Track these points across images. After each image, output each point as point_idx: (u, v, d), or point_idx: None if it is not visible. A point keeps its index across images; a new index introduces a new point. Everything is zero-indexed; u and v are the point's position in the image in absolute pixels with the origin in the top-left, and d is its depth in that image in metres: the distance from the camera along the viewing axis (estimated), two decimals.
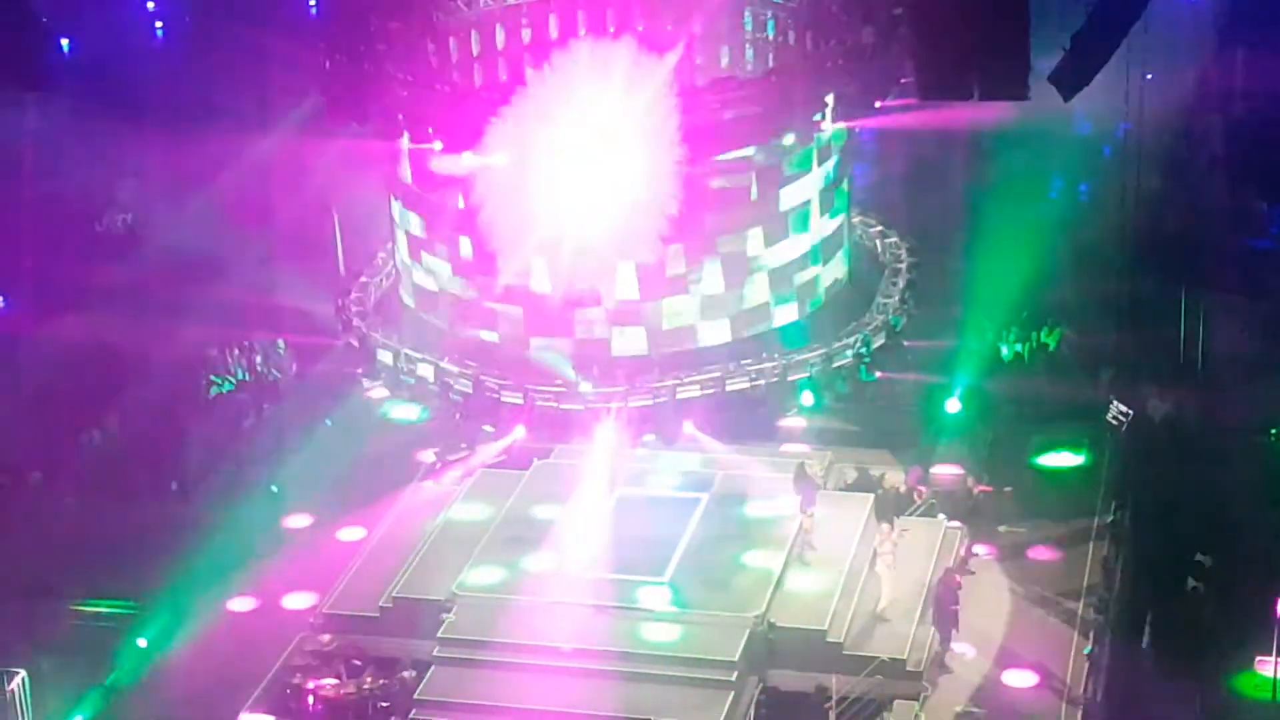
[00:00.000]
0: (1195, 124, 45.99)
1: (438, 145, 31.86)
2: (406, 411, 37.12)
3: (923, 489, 33.58)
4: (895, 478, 34.33)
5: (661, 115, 30.81)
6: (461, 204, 32.44)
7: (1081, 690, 29.59)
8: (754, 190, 31.80)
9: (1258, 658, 29.98)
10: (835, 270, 35.17)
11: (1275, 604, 29.78)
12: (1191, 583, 31.14)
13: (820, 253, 34.85)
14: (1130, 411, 33.84)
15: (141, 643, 31.57)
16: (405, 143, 32.70)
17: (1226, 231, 42.22)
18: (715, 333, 32.97)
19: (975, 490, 33.73)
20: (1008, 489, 33.67)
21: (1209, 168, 44.94)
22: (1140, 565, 32.33)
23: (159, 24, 53.21)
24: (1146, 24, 25.36)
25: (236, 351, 39.79)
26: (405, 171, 33.50)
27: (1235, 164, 44.09)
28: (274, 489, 35.62)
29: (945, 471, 34.62)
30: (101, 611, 32.63)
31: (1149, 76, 37.43)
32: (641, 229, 31.71)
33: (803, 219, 33.55)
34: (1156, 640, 30.61)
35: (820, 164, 33.91)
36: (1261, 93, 46.26)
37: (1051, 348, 38.92)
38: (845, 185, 35.41)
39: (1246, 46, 46.45)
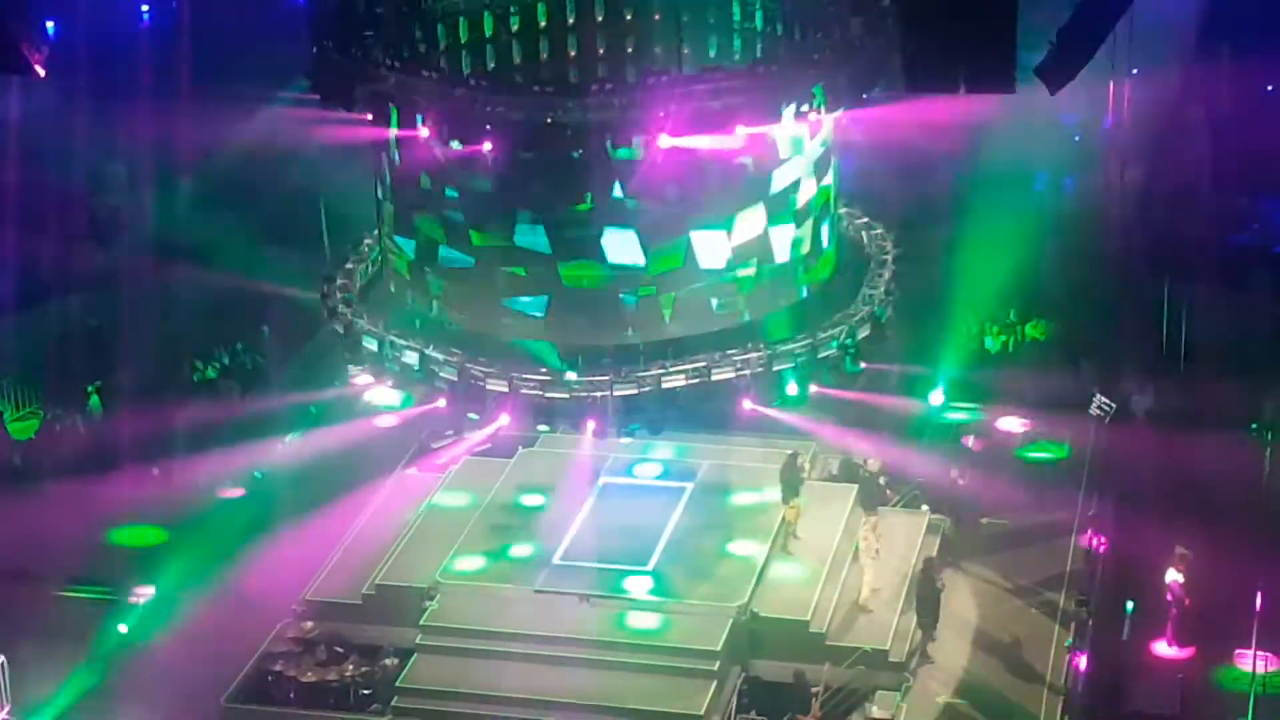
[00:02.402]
0: (1179, 118, 46.13)
1: (425, 132, 31.77)
2: (391, 397, 37.08)
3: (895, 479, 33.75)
4: (878, 468, 34.39)
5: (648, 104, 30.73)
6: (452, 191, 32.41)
7: (1062, 681, 29.71)
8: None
9: (1237, 650, 30.13)
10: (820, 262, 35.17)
11: (1255, 597, 29.95)
12: (1171, 574, 31.26)
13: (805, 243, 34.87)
14: (1114, 404, 33.98)
15: (123, 629, 31.57)
16: (393, 129, 32.60)
17: (1209, 226, 42.35)
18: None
19: (958, 480, 33.83)
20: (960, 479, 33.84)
21: (1193, 162, 45.06)
22: (1121, 557, 32.46)
23: (145, 8, 53.02)
24: (1132, 19, 25.44)
25: (223, 338, 39.78)
26: (393, 157, 33.42)
27: (1218, 159, 44.22)
28: (258, 475, 35.63)
29: (929, 462, 34.75)
30: (83, 597, 32.60)
31: (1134, 71, 37.54)
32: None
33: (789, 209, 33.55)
34: (1137, 632, 30.75)
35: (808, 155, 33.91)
36: (1245, 88, 46.44)
37: (1040, 338, 39.05)
38: (832, 176, 35.42)
39: (1231, 42, 46.58)
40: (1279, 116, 45.37)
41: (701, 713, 28.77)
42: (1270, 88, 47.03)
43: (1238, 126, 45.21)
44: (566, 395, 31.45)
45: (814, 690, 28.93)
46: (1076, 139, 44.89)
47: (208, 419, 37.36)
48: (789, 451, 32.88)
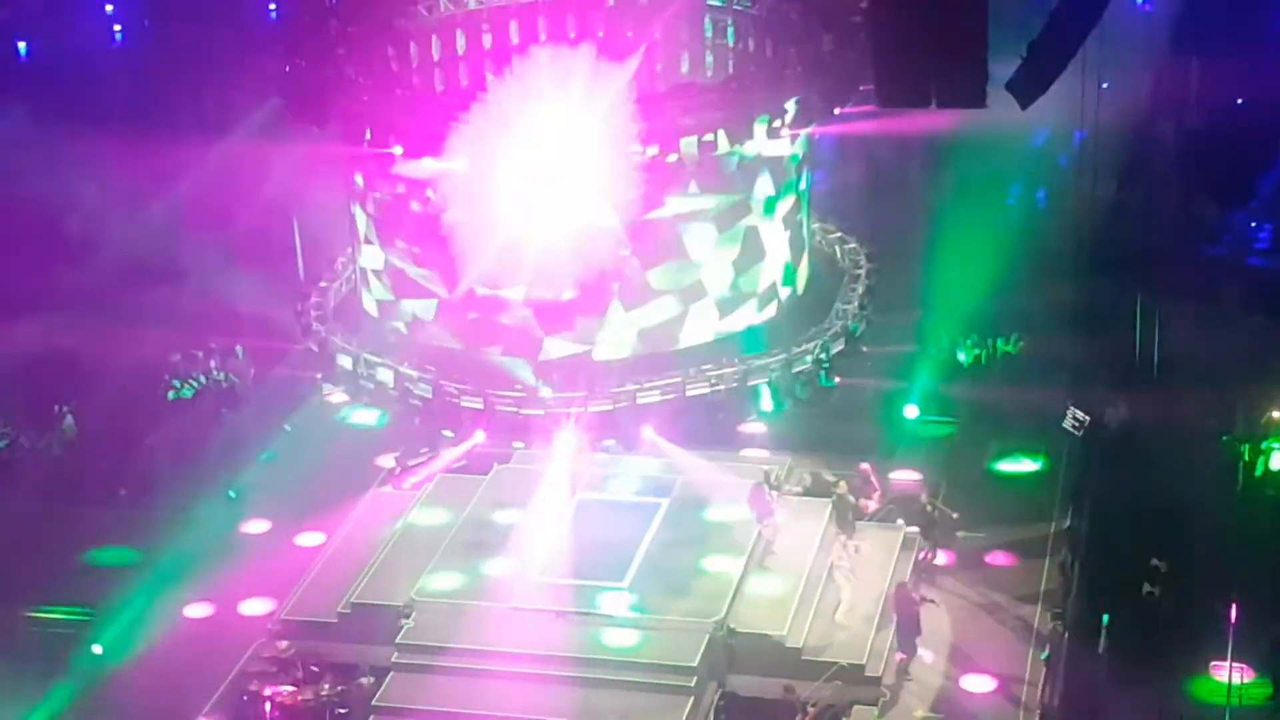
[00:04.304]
0: (1150, 131, 46.34)
1: (398, 150, 31.84)
2: (366, 416, 37.04)
3: (871, 494, 33.75)
4: (845, 489, 34.36)
5: (622, 121, 30.86)
6: (419, 208, 32.48)
7: (1039, 695, 29.74)
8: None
9: (1213, 662, 30.20)
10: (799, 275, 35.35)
11: (1230, 609, 30.03)
12: (1147, 588, 31.34)
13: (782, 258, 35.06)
14: (1087, 418, 34.06)
15: (97, 649, 31.40)
16: (366, 147, 32.67)
17: (1181, 238, 42.53)
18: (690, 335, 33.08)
19: (929, 507, 33.87)
20: (955, 515, 33.85)
21: (1164, 175, 45.26)
22: (1097, 570, 32.52)
23: (118, 27, 52.91)
24: (1102, 32, 25.54)
25: (197, 356, 39.63)
26: (366, 179, 33.51)
27: (1189, 171, 44.41)
28: (232, 494, 35.53)
29: (904, 478, 34.80)
30: (56, 618, 32.43)
31: (1105, 85, 37.66)
32: (602, 235, 31.77)
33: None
34: (1113, 645, 30.80)
35: (779, 171, 34.09)
36: (1214, 100, 46.66)
37: (1012, 352, 39.13)
38: (805, 191, 35.61)
39: (1200, 55, 46.81)
40: (1249, 129, 45.52)
41: None
42: (1239, 100, 47.25)
43: (1208, 137, 45.39)
44: (542, 412, 31.51)
45: (809, 708, 28.93)
46: (1063, 162, 45.09)
47: (182, 438, 37.22)
48: (756, 481, 32.86)
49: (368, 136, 31.49)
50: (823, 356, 34.27)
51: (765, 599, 31.13)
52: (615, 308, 31.65)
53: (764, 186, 32.77)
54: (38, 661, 31.01)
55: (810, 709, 28.91)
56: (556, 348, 32.57)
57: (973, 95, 24.23)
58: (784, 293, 33.72)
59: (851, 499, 33.40)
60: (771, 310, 33.10)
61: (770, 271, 33.02)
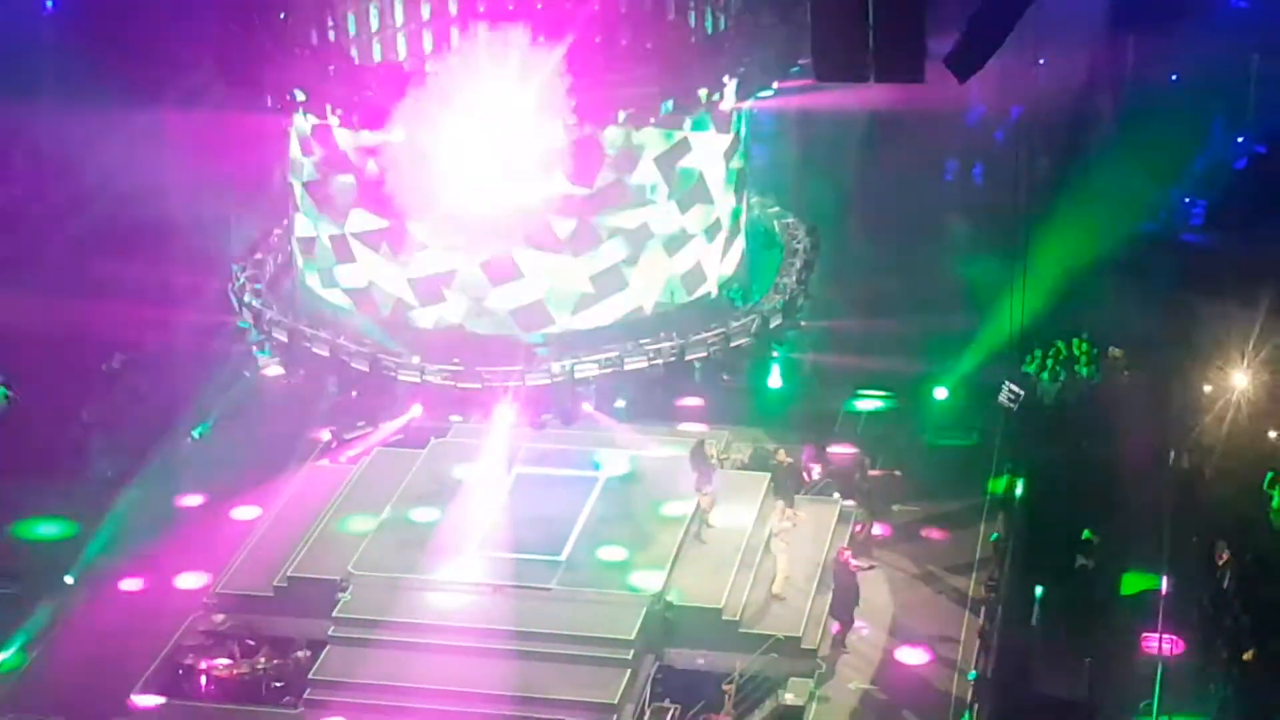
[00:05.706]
0: (1087, 107, 46.62)
1: (335, 121, 31.63)
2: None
3: (812, 467, 33.87)
4: (791, 456, 34.56)
5: (560, 92, 30.75)
6: (356, 177, 32.30)
7: (973, 666, 30.00)
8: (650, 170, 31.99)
9: (1143, 634, 30.55)
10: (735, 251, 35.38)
11: (1161, 581, 30.40)
12: (1080, 560, 31.64)
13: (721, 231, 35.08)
14: (1022, 392, 34.31)
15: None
16: (302, 118, 32.45)
17: (1116, 215, 42.79)
18: (615, 310, 33.00)
19: (869, 473, 34.05)
20: (898, 472, 34.08)
21: (1100, 151, 45.53)
22: (1030, 543, 32.81)
23: None
24: (1039, 9, 25.64)
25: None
26: (302, 146, 33.27)
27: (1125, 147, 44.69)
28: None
29: (840, 451, 34.96)
30: None
31: (1041, 61, 37.85)
32: (541, 205, 31.66)
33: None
34: (1045, 617, 31.10)
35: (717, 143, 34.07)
36: (1151, 77, 47.01)
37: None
38: (743, 165, 35.61)
39: (1136, 32, 47.13)
40: (1184, 105, 45.89)
41: (615, 701, 28.85)
42: (1175, 77, 47.61)
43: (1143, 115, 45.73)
44: (479, 386, 31.44)
45: (725, 687, 29.01)
46: (998, 137, 45.34)
47: (116, 411, 36.94)
48: (696, 439, 33.03)
49: (302, 100, 31.27)
50: (765, 330, 34.37)
51: (703, 572, 31.24)
52: (564, 257, 31.65)
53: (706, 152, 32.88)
54: None
55: (726, 686, 28.94)
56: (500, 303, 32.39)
57: (911, 69, 24.26)
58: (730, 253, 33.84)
59: (791, 461, 33.60)
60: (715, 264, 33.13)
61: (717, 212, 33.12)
